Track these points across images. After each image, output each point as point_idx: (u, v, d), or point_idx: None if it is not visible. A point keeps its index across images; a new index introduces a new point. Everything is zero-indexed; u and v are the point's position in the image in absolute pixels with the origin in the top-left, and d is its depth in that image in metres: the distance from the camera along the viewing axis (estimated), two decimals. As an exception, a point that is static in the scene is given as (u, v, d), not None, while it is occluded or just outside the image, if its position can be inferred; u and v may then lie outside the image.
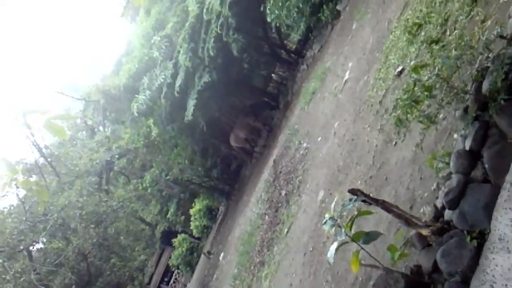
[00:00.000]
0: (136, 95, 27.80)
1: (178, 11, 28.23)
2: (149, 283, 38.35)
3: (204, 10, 25.23)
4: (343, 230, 6.11)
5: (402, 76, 10.31)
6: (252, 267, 16.29)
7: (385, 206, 6.16)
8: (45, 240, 27.39)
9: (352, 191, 6.26)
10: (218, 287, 21.54)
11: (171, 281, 37.41)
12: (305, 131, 17.47)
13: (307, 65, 23.54)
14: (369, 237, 6.06)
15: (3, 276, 24.61)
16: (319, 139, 15.10)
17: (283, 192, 16.69)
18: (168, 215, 34.41)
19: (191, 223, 32.29)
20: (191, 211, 32.31)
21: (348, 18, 18.98)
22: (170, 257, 34.96)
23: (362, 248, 6.12)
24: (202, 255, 29.92)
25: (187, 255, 32.10)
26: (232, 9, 23.94)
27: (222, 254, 23.73)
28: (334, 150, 13.08)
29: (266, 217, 17.53)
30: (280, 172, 18.49)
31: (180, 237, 33.68)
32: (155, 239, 37.99)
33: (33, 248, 27.01)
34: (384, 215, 6.65)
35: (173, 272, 37.38)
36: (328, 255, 6.13)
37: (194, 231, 32.10)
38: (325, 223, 6.36)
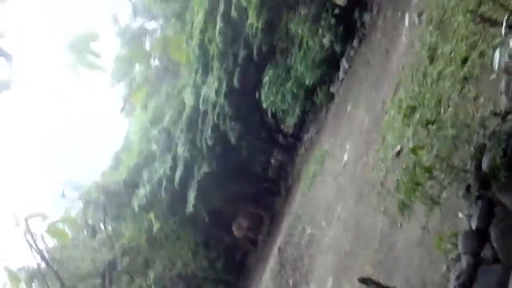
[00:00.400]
0: (136, 190, 27.82)
1: (174, 104, 28.74)
2: None
3: (200, 101, 25.68)
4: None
5: (401, 156, 10.28)
6: None
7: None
8: None
9: (362, 280, 6.07)
10: None
11: None
12: (308, 216, 17.28)
13: (305, 149, 23.66)
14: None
15: None
16: (323, 224, 14.91)
17: (291, 282, 16.31)
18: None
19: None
20: (197, 307, 31.36)
21: (343, 99, 19.26)
22: None
23: None
24: None
25: None
26: (228, 98, 24.39)
27: None
28: (340, 234, 12.88)
29: (275, 308, 17.06)
30: (286, 260, 18.15)
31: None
32: None
33: None
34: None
35: None
36: None
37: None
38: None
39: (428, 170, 6.37)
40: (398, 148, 10.55)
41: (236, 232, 27.89)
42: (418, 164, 6.63)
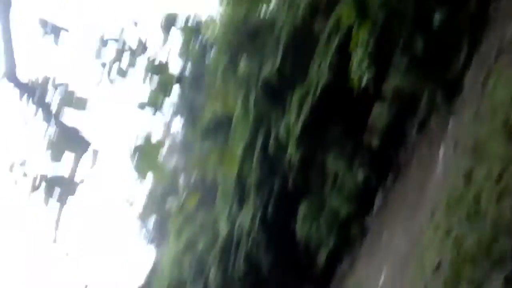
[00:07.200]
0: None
1: (208, 233, 29.41)
2: None
3: (235, 231, 26.30)
4: None
5: (440, 269, 10.59)
6: None
7: None
8: None
9: None
10: None
11: None
12: None
13: (339, 281, 23.62)
14: None
15: None
16: None
17: None
18: None
19: None
20: None
21: (378, 230, 19.69)
22: None
23: None
24: None
25: None
26: (261, 229, 24.99)
27: None
28: None
29: None
30: None
31: None
32: None
33: None
34: None
35: None
36: None
37: None
38: None
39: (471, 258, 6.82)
40: (437, 261, 10.88)
41: None
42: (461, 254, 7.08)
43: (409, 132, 20.68)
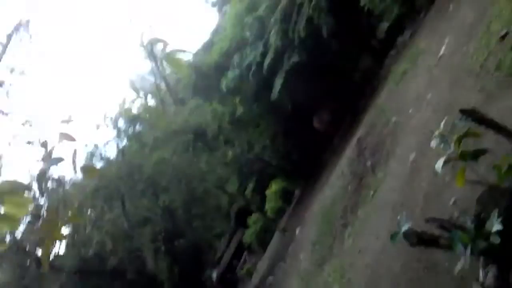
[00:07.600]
0: (226, 73, 29.01)
1: (272, -5, 29.15)
2: (220, 258, 39.65)
3: (298, -7, 25.98)
4: (452, 145, 6.56)
5: (506, 39, 10.58)
6: (334, 231, 16.82)
7: (496, 125, 6.59)
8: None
9: (464, 111, 6.70)
10: (294, 257, 22.15)
11: (242, 260, 38.12)
12: (393, 108, 17.79)
13: (397, 51, 23.76)
14: (477, 153, 6.47)
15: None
16: (410, 111, 15.43)
17: (369, 163, 17.09)
18: (246, 192, 35.29)
19: (266, 203, 33.03)
20: (267, 192, 33.00)
21: (444, 1, 19.15)
22: (243, 236, 35.84)
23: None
24: (276, 232, 30.78)
25: (261, 233, 32.93)
26: (325, -8, 24.59)
27: (298, 228, 24.31)
28: (427, 117, 13.42)
29: (349, 187, 18.00)
30: (365, 148, 18.85)
31: (254, 216, 34.59)
32: (231, 217, 39.04)
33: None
34: (494, 138, 7.05)
35: (244, 252, 38.07)
36: (436, 166, 6.56)
37: (269, 212, 32.85)
38: (434, 138, 6.86)
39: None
40: (504, 32, 10.83)
41: (316, 125, 28.68)
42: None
43: None
